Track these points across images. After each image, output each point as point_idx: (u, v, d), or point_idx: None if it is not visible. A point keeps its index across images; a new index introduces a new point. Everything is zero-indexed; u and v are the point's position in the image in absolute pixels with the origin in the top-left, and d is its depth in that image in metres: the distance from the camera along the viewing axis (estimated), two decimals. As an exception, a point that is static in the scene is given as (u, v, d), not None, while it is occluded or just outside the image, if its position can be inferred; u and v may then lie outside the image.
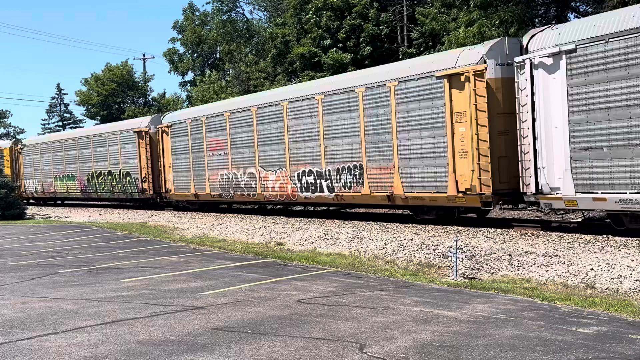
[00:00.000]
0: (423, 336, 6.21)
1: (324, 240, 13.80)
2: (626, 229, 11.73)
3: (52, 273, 11.14)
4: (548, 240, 11.70)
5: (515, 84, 12.76)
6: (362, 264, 11.28)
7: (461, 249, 10.63)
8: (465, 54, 14.01)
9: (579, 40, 11.59)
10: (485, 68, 13.31)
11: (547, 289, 8.62)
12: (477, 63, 13.50)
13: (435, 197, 14.59)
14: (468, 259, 10.38)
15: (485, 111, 13.32)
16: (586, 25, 11.76)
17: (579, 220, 14.42)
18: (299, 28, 34.95)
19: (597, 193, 11.49)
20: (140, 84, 57.21)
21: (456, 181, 14.01)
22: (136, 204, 28.96)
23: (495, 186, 13.37)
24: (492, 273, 9.82)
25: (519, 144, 12.76)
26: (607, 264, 9.11)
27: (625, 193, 11.06)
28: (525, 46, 12.74)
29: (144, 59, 59.17)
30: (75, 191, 32.21)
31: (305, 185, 18.39)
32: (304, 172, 18.41)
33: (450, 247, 10.32)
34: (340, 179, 17.15)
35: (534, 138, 12.42)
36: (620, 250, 10.18)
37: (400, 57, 29.44)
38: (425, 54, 25.55)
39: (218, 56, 49.96)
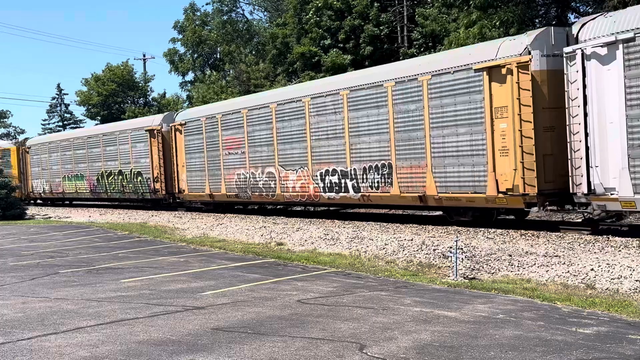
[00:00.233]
0: (423, 336, 6.21)
1: (324, 241, 13.80)
2: None
3: (52, 273, 11.14)
4: (548, 240, 11.70)
5: (565, 76, 11.96)
6: (362, 264, 11.28)
7: (461, 249, 10.62)
8: (506, 45, 13.18)
9: (638, 29, 10.74)
10: (530, 59, 12.47)
11: (547, 289, 8.62)
12: (520, 54, 12.64)
13: (473, 197, 13.81)
14: (468, 259, 10.38)
15: (529, 106, 12.50)
16: None
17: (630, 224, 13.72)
18: (299, 28, 34.96)
19: None
20: (140, 84, 57.27)
21: (496, 181, 13.21)
22: (147, 204, 28.16)
23: (540, 186, 12.53)
24: (492, 273, 9.82)
25: (568, 140, 11.95)
26: (608, 264, 9.11)
27: None
28: (575, 36, 11.95)
29: (144, 59, 59.26)
30: (84, 191, 31.47)
31: (328, 185, 17.64)
32: (327, 171, 17.64)
33: (451, 248, 10.32)
34: (367, 178, 16.36)
35: (586, 134, 11.61)
36: (620, 251, 10.18)
37: (400, 57, 29.45)
38: (425, 54, 25.53)
39: (218, 56, 49.98)
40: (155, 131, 25.82)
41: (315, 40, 33.49)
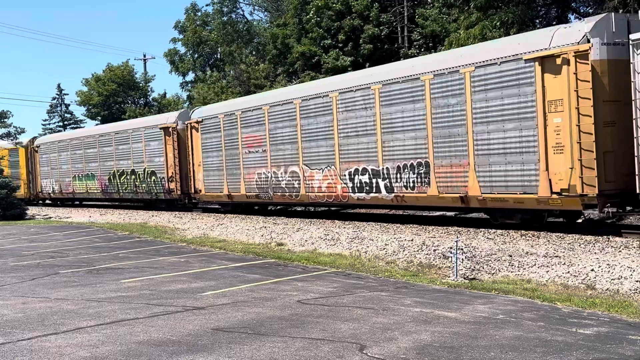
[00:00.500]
0: (423, 337, 6.21)
1: (324, 241, 13.80)
2: None
3: (53, 273, 11.14)
4: (548, 241, 11.70)
5: (631, 65, 11.06)
6: (363, 264, 11.28)
7: (461, 249, 10.63)
8: (561, 33, 12.15)
9: None
10: (590, 48, 11.46)
11: (547, 289, 8.62)
12: (578, 42, 11.62)
13: (522, 198, 12.76)
14: (468, 260, 10.38)
15: (589, 98, 11.47)
16: None
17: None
18: (300, 28, 34.98)
19: None
20: (141, 84, 57.30)
21: (549, 180, 12.18)
22: (162, 205, 27.29)
23: (601, 186, 11.49)
24: (493, 274, 9.82)
25: (635, 136, 10.99)
26: (608, 264, 9.11)
27: None
28: None
29: (144, 59, 59.27)
30: (95, 191, 30.46)
31: (358, 185, 16.58)
32: (356, 170, 16.60)
33: (451, 248, 10.32)
34: (401, 178, 15.33)
35: None
36: (620, 251, 10.18)
37: (401, 58, 29.46)
38: (425, 55, 25.50)
39: (219, 57, 50.03)
40: (170, 129, 24.92)
41: (316, 40, 33.52)
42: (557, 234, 12.59)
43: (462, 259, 10.10)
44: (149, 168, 26.29)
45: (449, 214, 18.24)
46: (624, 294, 8.16)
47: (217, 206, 24.03)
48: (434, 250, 11.48)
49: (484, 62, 13.38)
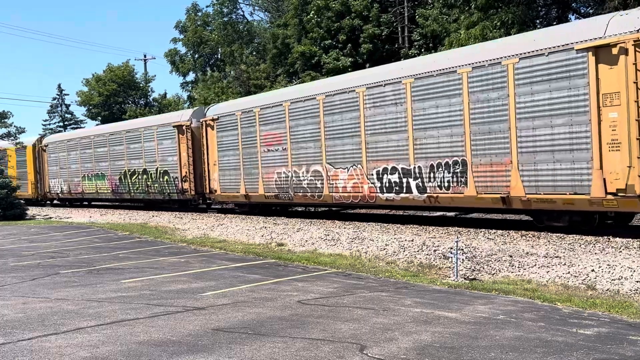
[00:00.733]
0: (424, 337, 6.21)
1: (324, 241, 13.80)
2: None
3: (53, 273, 11.14)
4: (549, 241, 11.69)
5: None
6: (363, 264, 11.28)
7: (462, 250, 10.63)
8: (617, 21, 11.41)
9: None
10: None
11: (547, 290, 8.62)
12: (637, 31, 10.97)
13: (572, 199, 12.01)
14: (469, 260, 10.38)
15: None
16: None
17: None
18: (300, 29, 35.01)
19: None
20: (141, 85, 57.34)
21: (604, 180, 11.48)
22: (174, 205, 26.56)
23: None
24: (493, 274, 9.81)
25: None
26: (608, 265, 9.11)
27: None
28: None
29: (145, 60, 59.33)
30: (105, 191, 29.68)
31: (387, 185, 15.82)
32: (385, 169, 15.83)
33: (451, 248, 10.32)
34: (434, 177, 14.59)
35: None
36: (621, 252, 10.18)
37: (401, 58, 29.47)
38: (425, 55, 25.49)
39: (219, 57, 50.07)
40: (184, 127, 24.20)
41: (316, 40, 33.53)
42: (557, 234, 12.59)
43: (463, 260, 10.10)
44: (162, 167, 25.61)
45: (449, 214, 18.25)
46: (624, 295, 8.16)
47: (233, 207, 23.32)
48: (435, 251, 11.48)
49: (529, 53, 12.54)
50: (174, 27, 52.39)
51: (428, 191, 14.78)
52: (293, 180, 18.86)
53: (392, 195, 15.74)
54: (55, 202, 35.96)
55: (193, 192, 24.04)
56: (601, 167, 11.56)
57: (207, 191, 22.96)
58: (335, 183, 17.40)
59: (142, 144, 26.90)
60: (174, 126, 24.81)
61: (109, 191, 29.43)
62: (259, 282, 9.69)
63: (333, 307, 7.73)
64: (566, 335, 6.20)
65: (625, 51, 11.12)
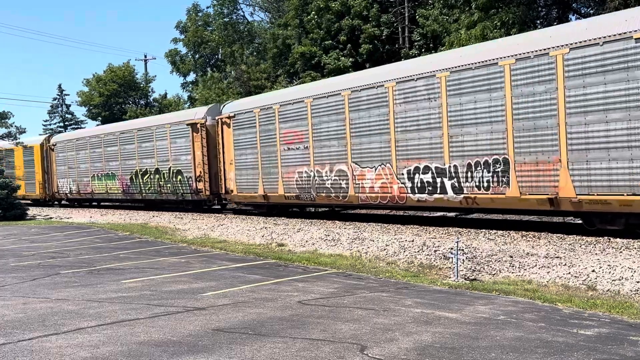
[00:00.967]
0: (424, 337, 6.21)
1: (325, 242, 13.80)
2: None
3: (53, 274, 11.15)
4: (549, 241, 11.69)
5: None
6: (363, 265, 11.28)
7: (462, 250, 10.63)
8: None
9: None
10: None
11: (548, 290, 8.62)
12: None
13: (630, 201, 11.22)
14: (469, 261, 10.38)
15: None
16: None
17: None
18: (301, 30, 35.04)
19: None
20: (141, 85, 57.37)
21: None
22: (188, 206, 25.78)
23: None
24: (493, 274, 9.81)
25: None
26: (609, 265, 9.10)
27: None
28: None
29: (145, 60, 59.37)
30: (116, 191, 28.88)
31: (418, 185, 15.06)
32: (417, 168, 15.07)
33: (452, 249, 10.32)
34: (472, 177, 13.82)
35: None
36: (621, 252, 10.17)
37: (402, 58, 29.50)
38: (425, 55, 25.49)
39: (219, 57, 50.11)
40: (198, 125, 23.34)
41: (316, 41, 33.55)
42: (557, 234, 12.59)
43: (463, 260, 10.09)
44: (175, 167, 24.83)
45: (449, 214, 18.25)
46: (624, 295, 8.16)
47: (250, 208, 22.48)
48: (435, 251, 11.48)
49: (580, 43, 11.76)
50: (174, 27, 52.47)
51: (465, 192, 14.03)
52: (315, 180, 18.17)
53: (424, 196, 15.00)
54: (63, 202, 35.28)
55: (208, 192, 23.31)
56: None
57: (223, 191, 22.30)
58: (362, 183, 16.67)
59: (155, 142, 26.14)
60: (188, 124, 24.10)
61: (120, 191, 28.69)
62: (260, 282, 9.69)
63: (333, 307, 7.73)
64: (567, 335, 6.20)
65: None
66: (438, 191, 14.62)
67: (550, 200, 12.40)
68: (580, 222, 13.62)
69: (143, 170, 26.87)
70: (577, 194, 11.99)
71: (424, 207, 16.53)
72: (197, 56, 51.51)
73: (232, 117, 21.48)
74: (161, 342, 6.29)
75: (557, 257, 9.97)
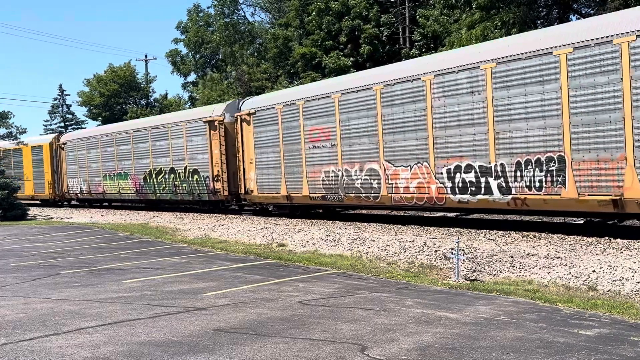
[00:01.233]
0: (424, 338, 6.21)
1: (325, 242, 13.80)
2: None
3: (54, 274, 11.15)
4: (550, 242, 11.69)
5: None
6: (364, 265, 11.28)
7: (463, 250, 10.63)
8: None
9: None
10: None
11: (548, 290, 8.62)
12: None
13: None
14: (470, 261, 10.37)
15: None
16: None
17: None
18: (302, 31, 35.07)
19: None
20: (142, 85, 57.40)
21: None
22: (205, 207, 24.77)
23: None
24: (494, 275, 9.81)
25: None
26: (609, 266, 9.10)
27: None
28: None
29: (146, 60, 59.39)
30: (129, 192, 28.01)
31: (459, 184, 14.19)
32: (457, 167, 14.20)
33: (452, 249, 10.32)
34: (521, 176, 12.91)
35: None
36: (622, 252, 10.17)
37: (402, 58, 29.52)
38: (426, 55, 25.48)
39: (220, 57, 50.13)
40: (216, 122, 22.35)
41: (317, 41, 33.56)
42: (558, 235, 12.58)
43: (464, 260, 10.09)
44: (191, 166, 23.91)
45: (450, 215, 18.24)
46: (625, 295, 8.16)
47: (272, 209, 21.42)
48: (435, 252, 11.48)
49: None
50: (175, 27, 52.51)
51: (513, 192, 13.08)
52: (344, 180, 17.26)
53: (466, 197, 14.12)
54: (73, 202, 34.61)
55: (226, 193, 22.39)
56: None
57: (242, 192, 21.46)
58: (395, 183, 15.71)
59: (170, 140, 25.20)
60: (205, 122, 23.11)
61: (133, 191, 27.82)
62: (260, 282, 9.69)
63: (334, 307, 7.73)
64: (567, 336, 6.20)
65: None
66: (482, 192, 13.75)
67: (615, 201, 11.47)
68: (581, 222, 13.56)
69: (157, 169, 26.00)
70: None
71: (465, 209, 15.65)
72: (197, 56, 51.53)
73: (252, 114, 20.64)
74: (162, 342, 6.29)
75: (557, 258, 9.97)
